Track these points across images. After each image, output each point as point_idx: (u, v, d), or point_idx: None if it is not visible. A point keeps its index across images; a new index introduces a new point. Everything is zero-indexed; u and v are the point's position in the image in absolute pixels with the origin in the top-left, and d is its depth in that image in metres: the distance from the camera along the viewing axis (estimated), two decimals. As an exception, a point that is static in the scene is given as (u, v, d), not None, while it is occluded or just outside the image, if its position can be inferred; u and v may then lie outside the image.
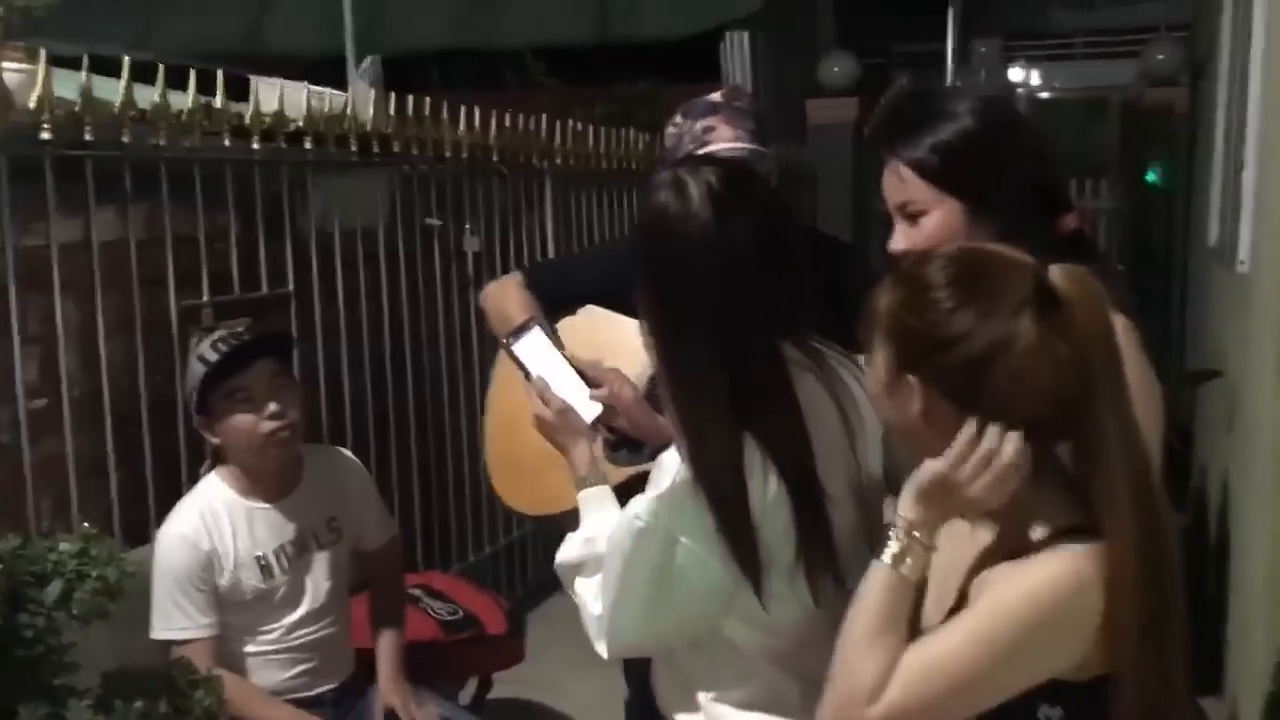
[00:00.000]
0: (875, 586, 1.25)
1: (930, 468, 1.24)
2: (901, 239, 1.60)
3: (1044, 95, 11.04)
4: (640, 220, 1.52)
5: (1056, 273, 1.22)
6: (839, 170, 7.47)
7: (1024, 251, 1.42)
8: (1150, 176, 7.06)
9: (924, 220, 1.56)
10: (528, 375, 1.78)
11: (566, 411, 1.72)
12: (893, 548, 1.25)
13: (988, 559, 1.24)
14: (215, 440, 2.33)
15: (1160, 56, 7.17)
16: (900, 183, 1.58)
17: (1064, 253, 1.46)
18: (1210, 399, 4.41)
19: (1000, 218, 1.53)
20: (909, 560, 1.24)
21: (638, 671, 1.96)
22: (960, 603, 1.25)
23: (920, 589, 1.30)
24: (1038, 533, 1.22)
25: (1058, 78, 11.15)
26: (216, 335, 2.36)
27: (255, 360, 2.29)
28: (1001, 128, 1.57)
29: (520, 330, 1.84)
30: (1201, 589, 3.82)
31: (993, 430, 1.21)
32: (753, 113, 2.21)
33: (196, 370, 2.28)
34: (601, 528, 1.57)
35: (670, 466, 1.43)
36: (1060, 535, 1.21)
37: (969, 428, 1.22)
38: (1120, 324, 1.45)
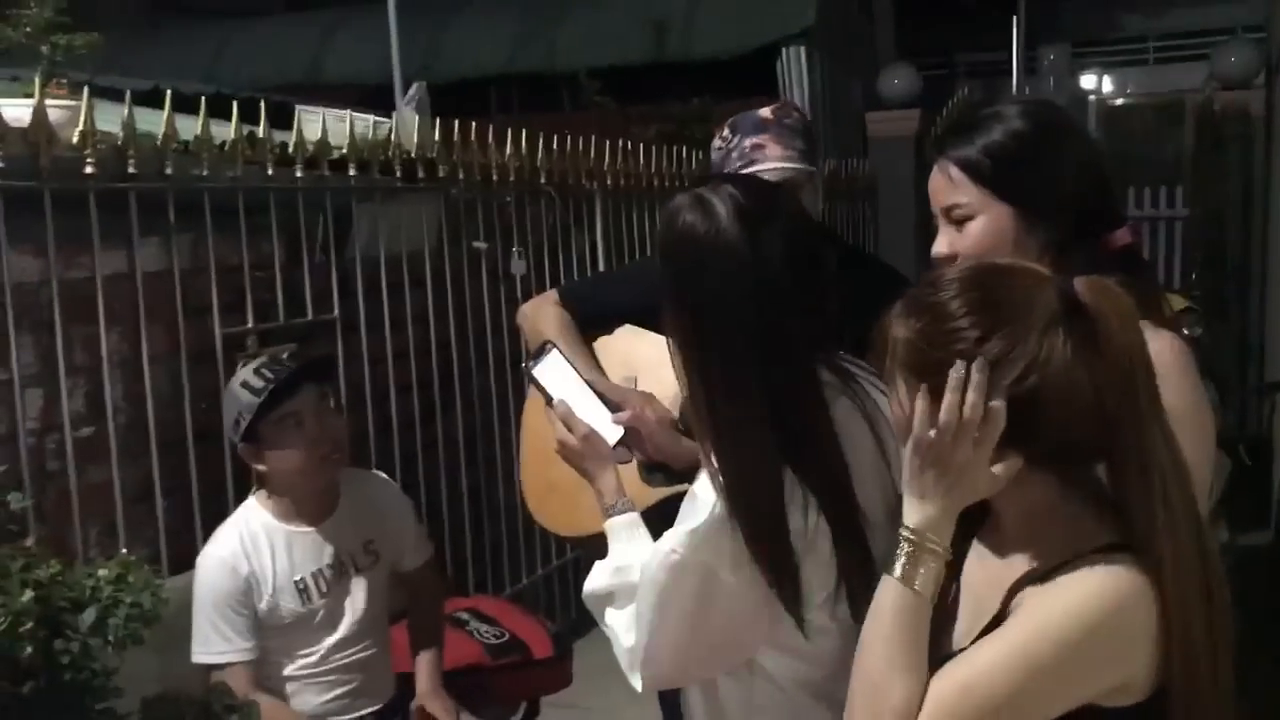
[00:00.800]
0: (890, 606, 1.20)
1: (914, 445, 1.18)
2: (945, 243, 1.53)
3: (1116, 102, 10.82)
4: (666, 243, 1.46)
5: (1081, 285, 1.17)
6: (900, 184, 7.37)
7: (1073, 266, 1.37)
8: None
9: (970, 225, 1.50)
10: (549, 400, 1.74)
11: (591, 437, 1.68)
12: (901, 560, 1.19)
13: (1023, 579, 1.18)
14: (262, 468, 2.34)
15: (1233, 58, 6.96)
16: (949, 183, 1.52)
17: (1114, 269, 1.40)
18: (1287, 411, 4.24)
19: (1050, 228, 1.47)
20: (921, 571, 1.19)
21: (671, 696, 1.93)
22: (994, 624, 1.19)
23: (952, 609, 1.25)
24: (1075, 552, 1.16)
25: (1129, 83, 10.92)
26: (257, 362, 2.37)
27: (302, 385, 2.32)
28: (1056, 132, 1.50)
29: (539, 353, 1.80)
30: (1281, 609, 3.67)
31: (953, 388, 1.15)
32: (803, 130, 2.17)
33: (243, 398, 2.29)
34: (632, 557, 1.54)
35: (706, 500, 1.39)
36: (1098, 553, 1.15)
37: (923, 395, 1.16)
38: (1169, 342, 1.41)
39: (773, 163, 2.07)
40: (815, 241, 1.48)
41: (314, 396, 2.33)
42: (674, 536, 1.41)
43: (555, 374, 1.77)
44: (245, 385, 2.30)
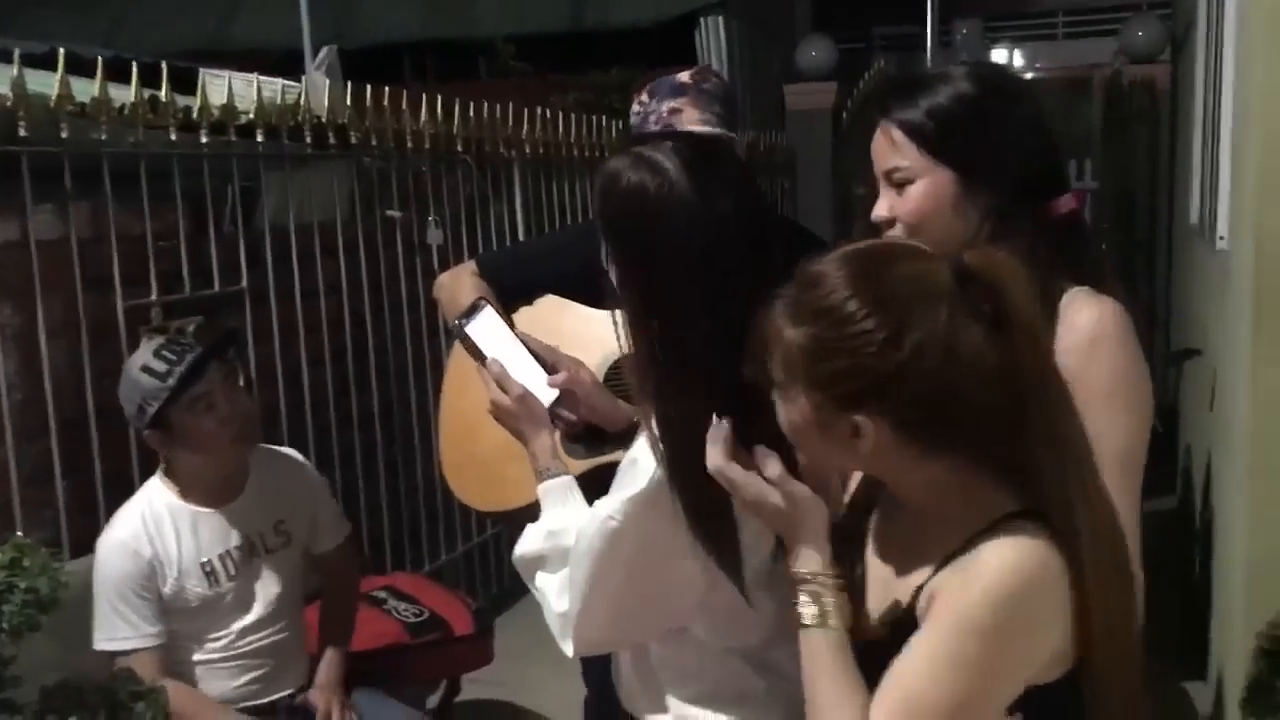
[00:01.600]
0: (814, 653, 1.18)
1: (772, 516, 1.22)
2: (886, 206, 1.50)
3: (1027, 76, 10.98)
4: (612, 205, 1.39)
5: (975, 257, 1.12)
6: (818, 156, 7.39)
7: (1014, 232, 1.39)
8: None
9: (911, 189, 1.46)
10: (482, 359, 1.66)
11: (526, 398, 1.61)
12: (807, 608, 1.18)
13: (933, 560, 1.15)
14: (169, 453, 2.25)
15: (1140, 33, 7.10)
16: (891, 146, 1.48)
17: (1058, 237, 1.44)
18: (1193, 378, 4.35)
19: (991, 193, 1.44)
20: (828, 610, 1.18)
21: (596, 670, 1.90)
22: (911, 606, 1.16)
23: (860, 584, 1.24)
24: (981, 524, 1.13)
25: (1040, 58, 11.07)
26: (155, 343, 2.25)
27: (209, 364, 2.22)
28: (1002, 97, 1.48)
29: (471, 311, 1.71)
30: (1188, 572, 3.77)
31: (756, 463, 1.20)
32: (721, 95, 2.14)
33: (146, 383, 2.17)
34: (566, 521, 1.50)
35: (646, 466, 1.36)
36: (1004, 522, 1.12)
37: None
38: (1110, 308, 1.42)
39: (690, 126, 2.04)
40: (760, 197, 1.44)
41: (221, 375, 2.25)
42: (611, 503, 1.38)
43: (488, 332, 1.68)
44: (147, 370, 2.18)
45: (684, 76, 2.13)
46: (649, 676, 1.50)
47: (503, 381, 1.62)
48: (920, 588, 1.15)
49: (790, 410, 1.18)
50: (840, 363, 1.11)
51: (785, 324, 1.15)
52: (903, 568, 1.19)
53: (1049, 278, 1.41)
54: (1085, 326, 1.40)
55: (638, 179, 1.36)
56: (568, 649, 1.47)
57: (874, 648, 1.17)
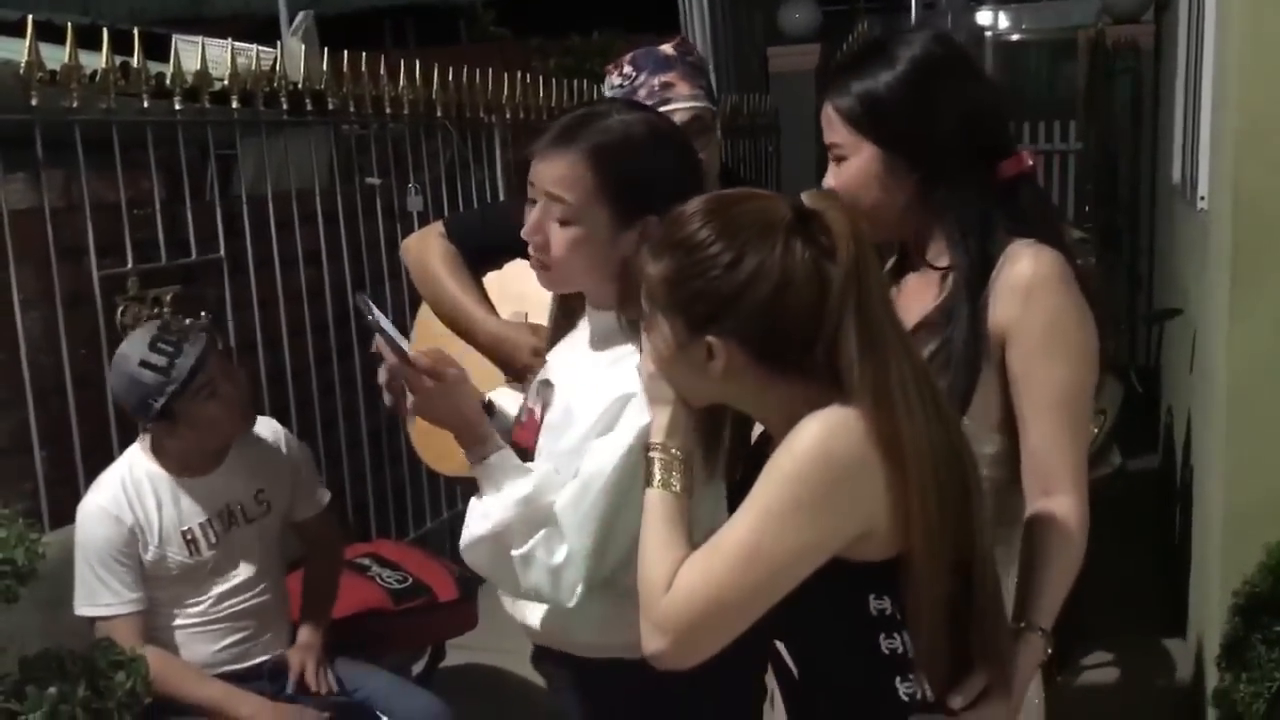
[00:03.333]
0: (652, 510, 1.30)
1: (646, 379, 1.33)
2: (830, 179, 1.58)
3: (1012, 38, 10.92)
4: (645, 153, 1.50)
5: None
6: (802, 119, 7.33)
7: (949, 204, 1.49)
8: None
9: (845, 164, 1.54)
10: (401, 351, 1.49)
11: (464, 377, 1.51)
12: (656, 472, 1.31)
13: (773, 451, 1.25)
14: (175, 441, 2.24)
15: (1124, -8, 7.06)
16: (828, 123, 1.56)
17: (1001, 198, 1.50)
18: (1175, 338, 4.36)
19: (918, 166, 1.50)
20: (674, 475, 1.30)
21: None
22: None
23: None
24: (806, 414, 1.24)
25: (1025, 19, 11.02)
26: (149, 334, 2.21)
27: (210, 355, 2.22)
28: (931, 75, 1.51)
29: (367, 305, 1.53)
30: (1169, 532, 3.80)
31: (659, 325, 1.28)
32: (704, 68, 2.19)
33: (148, 379, 2.15)
34: (532, 486, 1.45)
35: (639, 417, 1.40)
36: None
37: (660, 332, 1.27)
38: (1048, 255, 1.47)
39: (684, 101, 2.07)
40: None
41: (215, 356, 2.24)
42: (625, 437, 1.41)
43: (387, 323, 1.52)
44: (147, 365, 2.16)
45: (668, 49, 2.15)
46: (619, 608, 1.45)
47: (438, 369, 1.49)
48: None
49: (655, 338, 1.30)
50: (693, 285, 1.24)
51: (648, 261, 1.29)
52: None
53: (983, 237, 1.48)
54: (1021, 276, 1.45)
55: (648, 123, 1.54)
56: (570, 598, 1.44)
57: None
